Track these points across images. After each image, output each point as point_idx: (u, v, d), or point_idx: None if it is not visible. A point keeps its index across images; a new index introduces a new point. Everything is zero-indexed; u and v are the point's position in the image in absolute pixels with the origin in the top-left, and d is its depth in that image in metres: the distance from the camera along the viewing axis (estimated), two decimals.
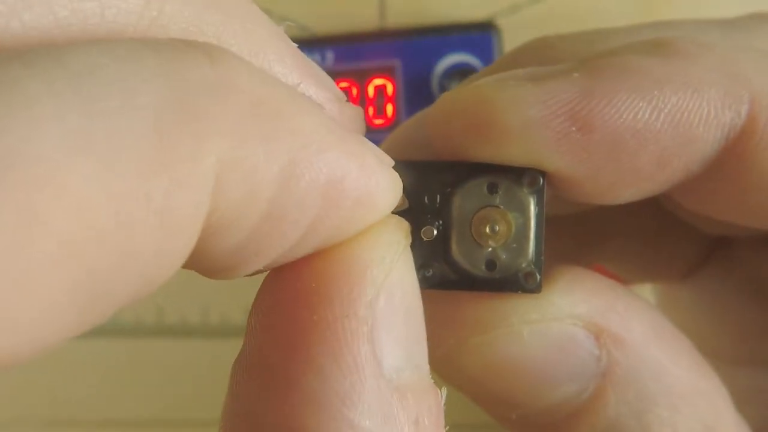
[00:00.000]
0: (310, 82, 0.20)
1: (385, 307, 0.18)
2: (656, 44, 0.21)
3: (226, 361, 0.19)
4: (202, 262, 0.17)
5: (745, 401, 0.24)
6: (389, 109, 0.45)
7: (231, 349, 0.18)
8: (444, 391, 0.19)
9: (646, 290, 0.33)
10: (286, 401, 0.17)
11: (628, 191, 0.21)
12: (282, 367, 0.17)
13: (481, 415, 0.23)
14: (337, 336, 0.17)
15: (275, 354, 0.17)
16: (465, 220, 0.21)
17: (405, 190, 0.21)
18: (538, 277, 0.21)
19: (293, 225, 0.17)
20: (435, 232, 0.21)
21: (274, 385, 0.17)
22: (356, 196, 0.17)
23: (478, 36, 0.44)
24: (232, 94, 0.16)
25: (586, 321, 0.21)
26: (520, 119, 0.20)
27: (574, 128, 0.20)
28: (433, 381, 0.19)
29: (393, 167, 0.19)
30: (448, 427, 0.19)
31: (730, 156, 0.21)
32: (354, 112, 0.21)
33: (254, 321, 0.18)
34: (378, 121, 0.45)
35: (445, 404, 0.19)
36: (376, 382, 0.17)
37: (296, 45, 0.20)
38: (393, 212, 0.21)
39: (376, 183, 0.18)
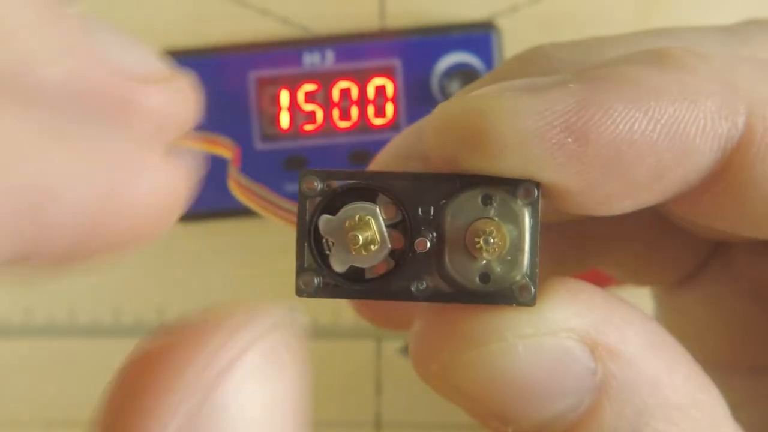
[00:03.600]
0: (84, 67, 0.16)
1: (221, 412, 0.15)
2: (653, 54, 0.21)
3: None
4: None
5: (744, 406, 0.24)
6: (389, 109, 0.45)
7: None
8: None
9: (645, 294, 0.33)
10: None
11: (624, 203, 0.21)
12: None
13: None
14: None
15: None
16: (459, 232, 0.21)
17: (398, 201, 0.21)
18: (533, 290, 0.21)
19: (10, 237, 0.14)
20: (428, 244, 0.21)
21: None
22: (78, 206, 0.15)
23: (478, 36, 0.45)
24: None
25: (582, 334, 0.21)
26: (516, 130, 0.20)
27: (569, 139, 0.20)
28: None
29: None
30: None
31: (728, 167, 0.21)
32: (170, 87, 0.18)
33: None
34: (378, 121, 0.45)
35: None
36: None
37: (76, 19, 0.16)
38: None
39: (118, 187, 0.15)
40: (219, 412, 0.14)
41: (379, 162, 0.24)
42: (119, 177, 0.15)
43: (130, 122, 0.17)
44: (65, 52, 0.16)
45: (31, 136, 0.14)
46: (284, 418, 0.15)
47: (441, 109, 0.21)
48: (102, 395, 0.15)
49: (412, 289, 0.21)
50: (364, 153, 0.45)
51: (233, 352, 0.15)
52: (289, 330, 0.16)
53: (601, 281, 0.34)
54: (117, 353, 0.46)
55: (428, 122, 0.21)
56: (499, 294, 0.21)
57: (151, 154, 0.16)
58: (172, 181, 0.16)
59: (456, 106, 0.21)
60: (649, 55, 0.21)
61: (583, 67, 0.21)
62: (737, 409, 0.23)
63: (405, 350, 0.21)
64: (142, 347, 0.15)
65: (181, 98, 0.18)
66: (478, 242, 0.21)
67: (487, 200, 0.21)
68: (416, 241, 0.21)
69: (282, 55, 0.45)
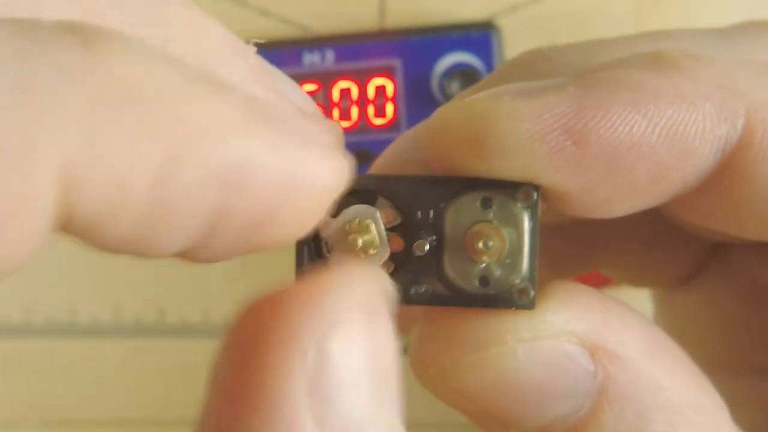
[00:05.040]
0: (268, 96, 0.19)
1: (334, 365, 0.16)
2: (651, 57, 0.21)
3: None
4: (104, 247, 0.16)
5: (743, 408, 0.24)
6: (389, 109, 0.45)
7: None
8: None
9: (645, 296, 0.33)
10: None
11: (623, 205, 0.21)
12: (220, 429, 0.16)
13: None
14: (269, 399, 0.15)
15: (215, 415, 0.16)
16: (458, 235, 0.21)
17: (398, 205, 0.21)
18: (532, 293, 0.21)
19: (189, 215, 0.16)
20: (427, 246, 0.21)
21: None
22: (271, 180, 0.17)
23: (478, 36, 0.44)
24: (95, 82, 0.15)
25: (581, 337, 0.21)
26: (515, 134, 0.20)
27: (568, 142, 0.20)
28: None
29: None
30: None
31: (727, 169, 0.21)
32: (324, 126, 0.20)
33: (210, 376, 0.17)
34: (378, 121, 0.45)
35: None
36: None
37: (258, 58, 0.20)
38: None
39: (302, 165, 0.17)
40: (331, 367, 0.16)
41: (379, 165, 0.24)
42: (302, 158, 0.17)
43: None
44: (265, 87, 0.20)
45: (242, 118, 0.17)
46: (383, 372, 0.17)
47: (440, 113, 0.21)
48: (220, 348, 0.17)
49: (411, 292, 0.21)
50: (364, 153, 0.45)
51: (341, 313, 0.16)
52: (384, 296, 0.17)
53: (600, 283, 0.34)
54: (117, 353, 0.46)
55: (427, 126, 0.21)
56: (498, 297, 0.21)
57: (322, 147, 0.18)
58: (339, 168, 0.18)
59: (455, 110, 0.21)
60: (647, 58, 0.21)
61: (582, 70, 0.21)
62: (737, 409, 0.23)
63: (404, 350, 0.21)
64: (255, 302, 0.17)
65: (334, 134, 0.20)
66: (477, 245, 0.21)
67: (486, 203, 0.21)
68: (414, 244, 0.21)
69: (282, 55, 0.45)
